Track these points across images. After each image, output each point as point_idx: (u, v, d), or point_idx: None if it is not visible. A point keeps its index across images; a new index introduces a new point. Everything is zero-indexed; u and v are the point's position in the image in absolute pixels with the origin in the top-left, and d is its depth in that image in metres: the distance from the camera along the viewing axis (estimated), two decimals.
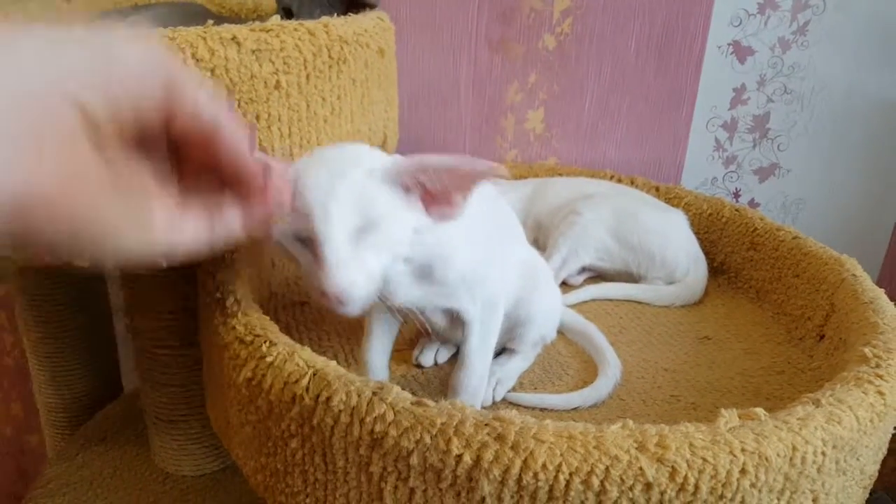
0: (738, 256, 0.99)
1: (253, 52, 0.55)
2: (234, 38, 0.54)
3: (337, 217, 0.44)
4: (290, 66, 0.58)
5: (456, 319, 0.61)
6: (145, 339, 0.79)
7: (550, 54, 1.15)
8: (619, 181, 1.11)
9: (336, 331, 0.81)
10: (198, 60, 0.52)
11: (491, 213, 0.66)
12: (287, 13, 0.79)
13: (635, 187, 1.10)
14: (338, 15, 0.64)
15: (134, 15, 0.90)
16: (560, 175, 1.14)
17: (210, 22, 0.54)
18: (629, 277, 0.97)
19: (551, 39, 1.14)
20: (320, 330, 0.81)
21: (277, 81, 0.58)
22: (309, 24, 0.60)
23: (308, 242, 0.46)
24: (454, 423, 0.47)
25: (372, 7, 0.79)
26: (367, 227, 0.46)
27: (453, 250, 0.54)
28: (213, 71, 0.53)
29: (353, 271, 0.45)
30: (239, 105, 0.56)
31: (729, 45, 1.14)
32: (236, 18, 0.97)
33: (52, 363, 1.04)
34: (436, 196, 0.48)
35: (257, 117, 0.57)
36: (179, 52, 0.51)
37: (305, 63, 0.60)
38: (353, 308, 0.46)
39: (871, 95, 1.16)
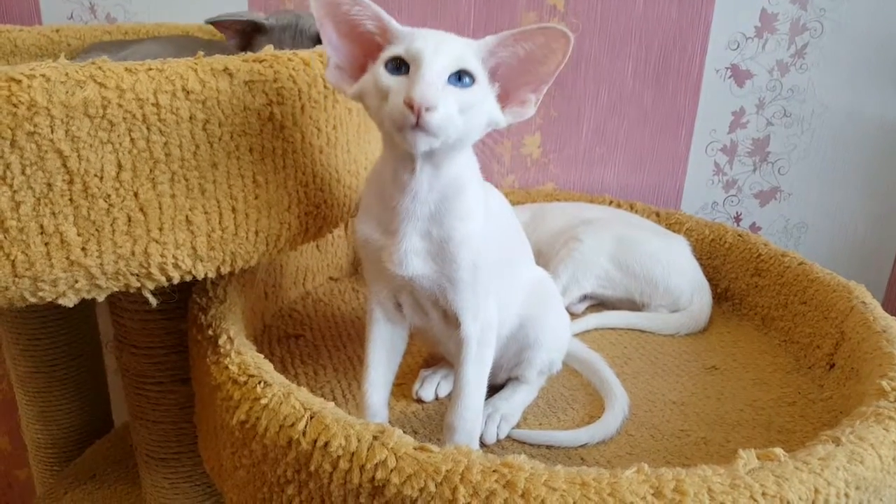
0: (743, 283, 0.97)
1: (246, 83, 0.53)
2: (225, 69, 0.52)
3: (441, 51, 0.49)
4: (284, 97, 0.56)
5: (455, 336, 0.60)
6: (135, 375, 0.76)
7: None
8: (619, 206, 1.10)
9: (332, 365, 0.79)
10: (188, 92, 0.50)
11: (506, 229, 0.67)
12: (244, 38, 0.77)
13: (635, 212, 1.08)
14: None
15: (126, 50, 0.88)
16: (558, 200, 1.13)
17: (200, 53, 0.53)
18: (632, 305, 0.95)
19: None
20: (316, 364, 0.79)
21: (271, 113, 0.56)
22: (303, 53, 0.59)
23: (406, 68, 0.50)
24: (460, 470, 0.45)
25: None
26: (461, 77, 0.50)
27: (474, 224, 0.56)
28: (204, 103, 0.51)
29: (442, 92, 0.48)
30: (231, 137, 0.54)
31: (727, 68, 1.14)
32: (227, 46, 0.95)
33: (40, 398, 1.02)
34: (510, 94, 0.54)
35: (250, 149, 0.55)
36: (169, 83, 0.50)
37: (300, 94, 0.58)
38: (433, 122, 0.47)
39: (871, 117, 1.16)
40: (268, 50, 0.56)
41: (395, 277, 0.57)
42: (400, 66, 0.50)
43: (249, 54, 0.55)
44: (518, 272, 0.68)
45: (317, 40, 0.77)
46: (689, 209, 1.22)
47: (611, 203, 1.11)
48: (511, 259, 0.67)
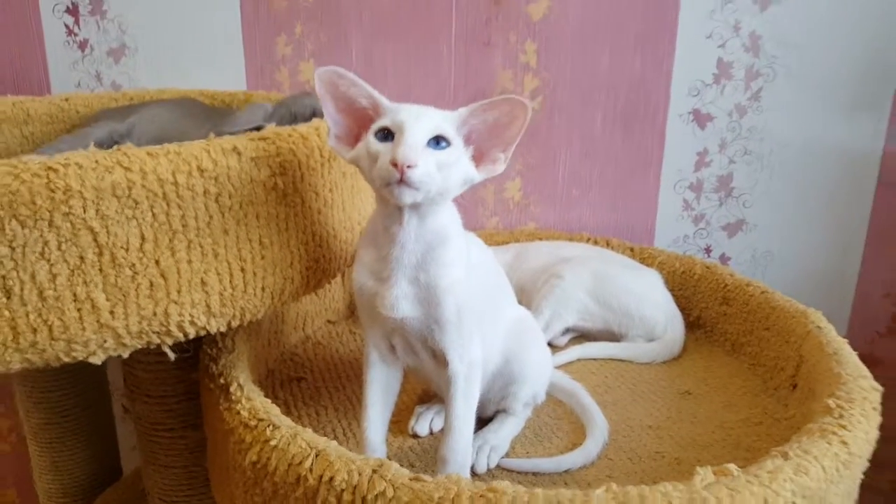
0: (712, 311, 1.04)
1: (252, 159, 0.61)
2: (234, 148, 0.59)
3: (421, 121, 0.58)
4: (285, 168, 0.64)
5: (444, 375, 0.66)
6: (148, 423, 0.82)
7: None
8: (596, 243, 1.17)
9: (333, 405, 0.85)
10: (202, 171, 0.57)
11: (492, 274, 0.74)
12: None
13: (611, 248, 1.16)
14: None
15: (133, 115, 0.95)
16: (539, 239, 1.20)
17: (211, 135, 0.60)
18: (611, 336, 1.01)
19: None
20: (318, 405, 0.85)
21: (275, 183, 0.63)
22: (301, 128, 0.66)
23: (392, 136, 0.58)
24: (451, 497, 0.50)
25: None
26: (438, 141, 0.58)
27: (457, 271, 0.63)
28: (216, 179, 0.58)
29: (422, 153, 0.56)
30: (240, 207, 0.61)
31: (689, 113, 1.23)
32: (227, 110, 1.02)
33: (53, 449, 1.06)
34: (483, 154, 0.63)
35: (256, 216, 0.62)
36: (186, 164, 0.57)
37: (300, 164, 0.65)
38: (414, 177, 0.55)
39: (826, 151, 1.24)
40: (270, 128, 0.64)
41: (388, 320, 0.63)
42: (387, 134, 0.58)
43: (255, 133, 0.62)
44: (500, 313, 0.75)
45: (308, 119, 0.85)
46: (661, 244, 1.30)
47: (588, 240, 1.18)
48: (493, 301, 0.74)
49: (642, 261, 1.12)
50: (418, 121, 0.58)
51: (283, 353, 0.98)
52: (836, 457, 0.58)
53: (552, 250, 1.11)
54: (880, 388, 0.71)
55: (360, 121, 0.62)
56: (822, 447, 0.59)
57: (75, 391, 1.05)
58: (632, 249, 1.15)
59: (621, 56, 1.21)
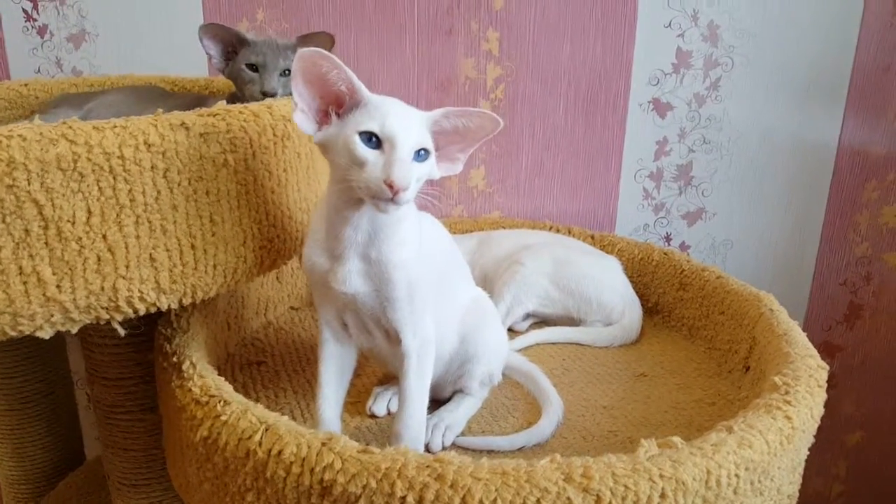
0: (670, 297, 1.06)
1: (201, 135, 0.60)
2: (182, 123, 0.59)
3: (411, 134, 0.59)
4: (236, 145, 0.64)
5: (398, 352, 0.66)
6: (106, 406, 0.81)
7: None
8: (558, 231, 1.19)
9: (292, 388, 0.84)
10: (149, 146, 0.57)
11: (446, 253, 0.75)
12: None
13: (572, 236, 1.17)
14: None
15: (92, 101, 0.94)
16: (503, 227, 1.21)
17: (159, 110, 0.60)
18: (570, 321, 1.03)
19: (486, 105, 1.23)
20: (277, 388, 0.84)
21: (225, 160, 0.63)
22: (253, 106, 0.66)
23: (379, 144, 0.58)
24: (398, 467, 0.51)
25: None
26: (420, 154, 0.60)
27: (409, 248, 0.64)
28: (164, 154, 0.58)
29: (412, 171, 0.58)
30: (189, 183, 0.60)
31: (649, 102, 1.24)
32: (188, 95, 1.02)
33: (14, 435, 1.05)
34: (442, 153, 0.64)
35: (206, 192, 0.62)
36: (132, 138, 0.56)
37: (251, 142, 0.65)
38: (404, 199, 0.57)
39: (783, 140, 1.27)
40: (220, 104, 0.63)
41: (340, 296, 0.64)
42: (374, 140, 0.58)
43: (203, 109, 0.62)
44: (455, 293, 0.76)
45: (293, 49, 0.85)
46: (622, 232, 1.31)
47: (550, 229, 1.19)
48: (448, 280, 0.74)
49: (602, 248, 1.14)
50: (407, 133, 0.58)
51: (243, 337, 0.98)
52: (780, 431, 0.60)
53: (515, 238, 1.12)
54: (826, 366, 0.72)
55: (329, 99, 0.61)
56: (767, 422, 0.60)
57: (36, 377, 1.04)
58: (592, 237, 1.17)
59: (582, 45, 1.22)
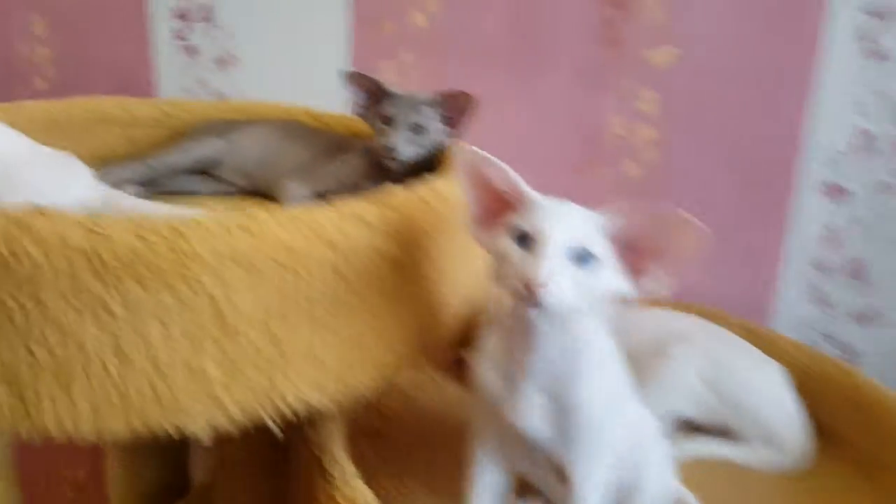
0: (844, 420, 0.92)
1: (376, 228, 0.57)
2: (360, 216, 0.56)
3: (564, 229, 0.50)
4: (407, 238, 0.60)
5: (561, 490, 0.59)
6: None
7: (633, 181, 1.15)
8: (706, 317, 1.07)
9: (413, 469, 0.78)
10: (327, 240, 0.54)
11: (620, 373, 0.64)
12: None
13: (725, 325, 1.05)
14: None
15: (236, 132, 0.94)
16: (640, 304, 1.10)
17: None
18: (724, 432, 0.91)
19: (633, 167, 1.15)
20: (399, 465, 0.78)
21: (395, 254, 0.60)
22: (420, 191, 0.63)
23: (528, 242, 0.50)
24: None
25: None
26: (582, 258, 0.50)
27: (600, 384, 0.56)
28: (335, 247, 0.55)
29: (559, 270, 0.48)
30: (358, 278, 0.57)
31: (823, 182, 1.11)
32: (332, 134, 0.99)
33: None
34: (639, 269, 0.52)
35: (377, 288, 0.59)
36: (311, 232, 0.52)
37: (418, 231, 0.62)
38: (546, 300, 0.48)
39: None
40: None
41: (514, 428, 0.56)
42: (525, 239, 0.51)
43: (383, 198, 0.59)
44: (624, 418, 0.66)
45: (430, 105, 0.83)
46: (779, 326, 1.18)
47: (698, 313, 1.08)
48: (621, 404, 0.65)
49: (761, 347, 1.01)
50: (558, 228, 0.50)
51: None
52: None
53: (658, 320, 1.02)
54: None
55: (498, 203, 0.55)
56: None
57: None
58: (748, 330, 1.04)
59: (746, 113, 1.11)
